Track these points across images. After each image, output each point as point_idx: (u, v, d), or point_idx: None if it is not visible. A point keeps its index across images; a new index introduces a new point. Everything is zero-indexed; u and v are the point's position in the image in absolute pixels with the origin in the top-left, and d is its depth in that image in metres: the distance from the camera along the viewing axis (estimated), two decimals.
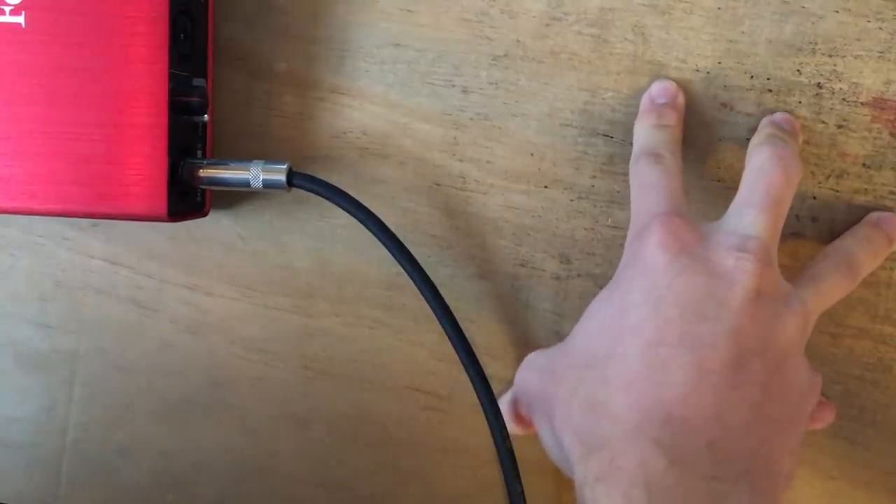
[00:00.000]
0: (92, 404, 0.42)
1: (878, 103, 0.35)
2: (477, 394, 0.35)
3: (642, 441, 0.27)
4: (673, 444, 0.27)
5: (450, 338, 0.35)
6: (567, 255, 0.37)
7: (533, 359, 0.35)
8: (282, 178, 0.34)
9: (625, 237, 0.33)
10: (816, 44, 0.34)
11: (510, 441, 0.34)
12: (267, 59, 0.38)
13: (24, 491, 0.43)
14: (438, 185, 0.38)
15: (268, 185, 0.35)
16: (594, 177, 0.37)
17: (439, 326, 0.35)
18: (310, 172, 0.35)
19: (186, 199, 0.36)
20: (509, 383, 0.37)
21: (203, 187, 0.36)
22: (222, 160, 0.36)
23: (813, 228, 0.36)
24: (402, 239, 0.35)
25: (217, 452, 0.42)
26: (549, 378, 0.32)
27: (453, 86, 0.37)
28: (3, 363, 0.42)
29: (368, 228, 0.35)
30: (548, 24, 0.36)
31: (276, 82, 0.38)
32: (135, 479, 0.42)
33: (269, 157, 0.36)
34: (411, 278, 0.35)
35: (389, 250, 0.35)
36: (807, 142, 0.35)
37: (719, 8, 0.35)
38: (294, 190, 0.35)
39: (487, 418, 0.35)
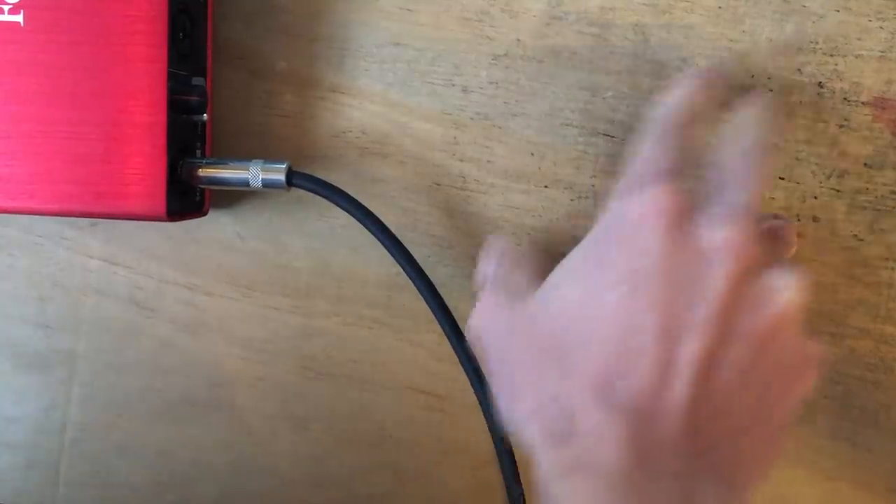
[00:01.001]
0: (91, 404, 0.42)
1: (879, 103, 0.35)
2: (476, 394, 0.35)
3: (614, 433, 0.26)
4: (643, 440, 0.26)
5: (449, 338, 0.35)
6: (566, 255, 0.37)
7: (495, 310, 0.31)
8: (281, 177, 0.34)
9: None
10: (817, 43, 0.34)
11: (510, 442, 0.34)
12: (266, 58, 0.38)
13: (22, 491, 0.43)
14: (438, 184, 0.38)
15: (267, 184, 0.35)
16: (594, 177, 0.37)
17: (439, 326, 0.35)
18: (309, 172, 0.35)
19: (185, 198, 0.36)
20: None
21: (202, 187, 0.36)
22: (221, 159, 0.36)
23: (814, 228, 0.36)
24: (401, 238, 0.35)
25: (216, 452, 0.42)
26: (514, 344, 0.30)
27: (453, 85, 0.37)
28: (2, 363, 0.42)
29: (368, 228, 0.35)
30: (548, 23, 0.36)
31: (276, 81, 0.38)
32: (133, 479, 0.42)
33: (268, 157, 0.36)
34: (410, 278, 0.35)
35: (389, 250, 0.35)
36: (807, 142, 0.35)
37: (720, 7, 0.35)
38: (293, 189, 0.35)
39: (487, 418, 0.35)
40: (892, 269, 0.36)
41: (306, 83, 0.38)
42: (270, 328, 0.40)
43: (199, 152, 0.37)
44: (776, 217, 0.33)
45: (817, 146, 0.35)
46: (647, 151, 0.30)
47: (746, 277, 0.27)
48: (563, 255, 0.31)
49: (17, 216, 0.39)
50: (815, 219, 0.36)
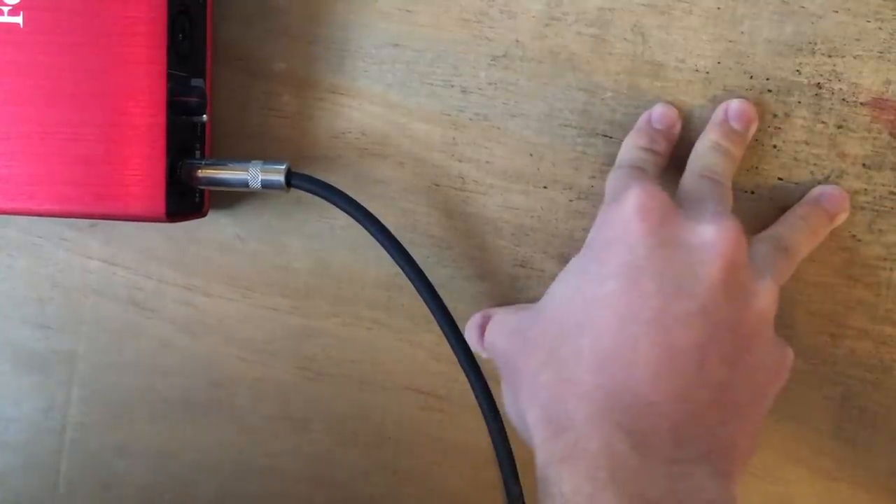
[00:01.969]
0: (90, 405, 0.42)
1: (878, 103, 0.34)
2: (475, 394, 0.35)
3: (607, 424, 0.27)
4: (637, 427, 0.27)
5: (448, 338, 0.35)
6: (566, 256, 0.37)
7: (503, 319, 0.34)
8: (280, 178, 0.34)
9: None
10: (816, 44, 0.34)
11: (509, 442, 0.34)
12: (266, 59, 0.38)
13: (22, 491, 0.43)
14: (437, 185, 0.38)
15: (266, 185, 0.35)
16: (593, 177, 0.37)
17: (438, 327, 0.35)
18: (309, 173, 0.35)
19: (185, 199, 0.36)
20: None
21: (202, 188, 0.36)
22: (221, 160, 0.36)
23: None
24: (401, 239, 0.35)
25: (216, 452, 0.42)
26: (519, 346, 0.31)
27: (452, 86, 0.37)
28: (2, 363, 0.42)
29: (367, 229, 0.35)
30: (547, 24, 0.36)
31: (275, 82, 0.38)
32: (133, 480, 0.42)
33: (267, 158, 0.36)
34: (409, 279, 0.35)
35: (388, 251, 0.35)
36: (806, 142, 0.35)
37: (719, 8, 0.35)
38: (293, 190, 0.35)
39: (486, 419, 0.35)
40: (891, 269, 0.36)
41: (305, 84, 0.38)
42: (270, 329, 0.40)
43: (198, 153, 0.37)
44: None
45: (816, 147, 0.35)
46: (630, 181, 0.32)
47: (734, 273, 0.28)
48: None
49: (17, 217, 0.39)
50: None
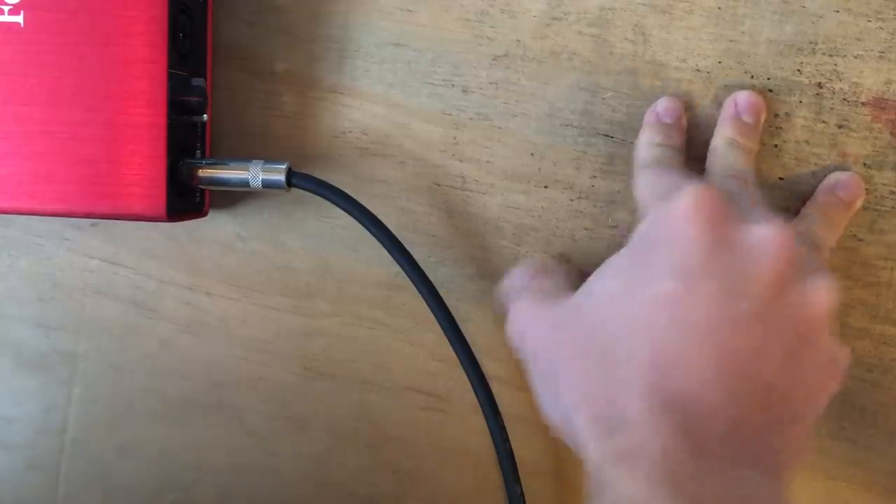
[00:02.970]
0: (91, 405, 0.42)
1: (879, 103, 0.35)
2: (476, 394, 0.35)
3: (665, 425, 0.27)
4: (694, 429, 0.27)
5: (449, 338, 0.35)
6: (567, 255, 0.37)
7: (536, 314, 0.32)
8: (281, 177, 0.34)
9: (625, 237, 0.33)
10: (817, 43, 0.34)
11: (510, 442, 0.34)
12: (266, 59, 0.38)
13: (22, 491, 0.43)
14: (438, 184, 0.38)
15: (267, 184, 0.35)
16: (594, 177, 0.37)
17: (439, 326, 0.35)
18: (309, 172, 0.35)
19: (186, 198, 0.36)
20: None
21: (202, 187, 0.36)
22: (221, 160, 0.36)
23: None
24: (401, 239, 0.35)
25: (217, 452, 0.42)
26: (558, 340, 0.30)
27: (453, 86, 0.37)
28: (2, 363, 0.42)
29: (367, 228, 0.35)
30: (548, 23, 0.36)
31: (276, 82, 0.38)
32: (134, 480, 0.42)
33: (268, 157, 0.36)
34: (410, 278, 0.35)
35: (388, 250, 0.35)
36: (807, 142, 0.35)
37: (720, 8, 0.35)
38: (293, 190, 0.35)
39: (487, 419, 0.35)
40: (892, 269, 0.36)
41: (306, 84, 0.38)
42: (270, 328, 0.40)
43: (198, 153, 0.37)
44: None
45: (817, 146, 0.35)
46: (669, 177, 0.32)
47: (789, 275, 0.28)
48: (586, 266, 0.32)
49: (17, 216, 0.39)
50: None
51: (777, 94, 0.35)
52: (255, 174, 0.35)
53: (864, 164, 0.35)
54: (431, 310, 0.35)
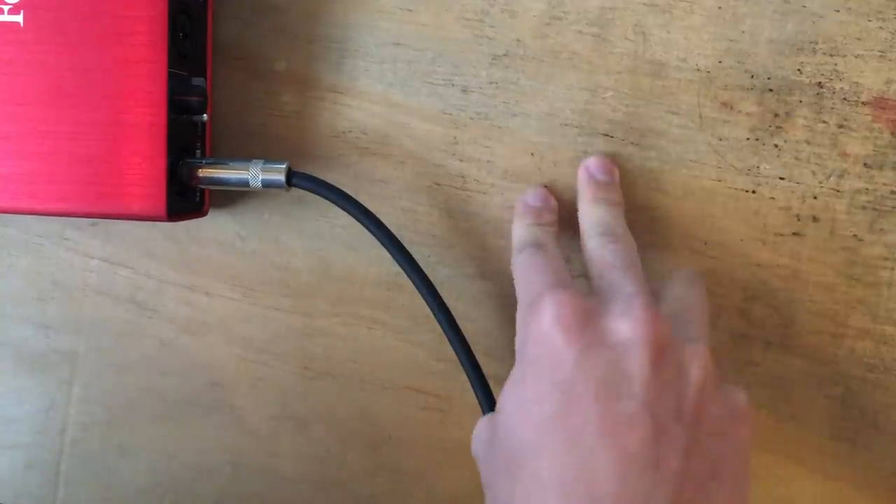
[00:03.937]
0: (91, 404, 0.42)
1: (879, 103, 0.34)
2: (476, 394, 0.35)
3: None
4: None
5: (448, 338, 0.35)
6: (567, 255, 0.37)
7: (479, 432, 0.33)
8: (281, 177, 0.34)
9: None
10: (817, 43, 0.34)
11: None
12: (266, 59, 0.38)
13: (22, 491, 0.43)
14: (438, 184, 0.38)
15: (267, 184, 0.35)
16: None
17: (439, 326, 0.35)
18: (309, 172, 0.35)
19: (185, 198, 0.36)
20: None
21: (202, 187, 0.36)
22: (221, 160, 0.36)
23: (814, 228, 0.36)
24: (401, 239, 0.35)
25: (217, 452, 0.42)
26: (491, 465, 0.31)
27: (453, 85, 0.37)
28: (2, 363, 0.42)
29: (367, 228, 0.35)
30: (548, 23, 0.36)
31: (276, 81, 0.38)
32: (134, 480, 0.42)
33: (268, 157, 0.36)
34: (410, 278, 0.35)
35: (388, 250, 0.35)
36: (807, 141, 0.35)
37: (720, 7, 0.35)
38: (293, 189, 0.35)
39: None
40: (892, 269, 0.36)
41: (306, 83, 0.38)
42: (270, 328, 0.40)
43: (198, 152, 0.37)
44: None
45: (817, 146, 0.35)
46: (535, 272, 0.32)
47: (663, 357, 0.29)
48: None
49: (18, 216, 0.39)
50: (815, 219, 0.36)
51: (777, 93, 0.35)
52: (255, 174, 0.35)
53: (865, 164, 0.35)
54: (431, 310, 0.35)
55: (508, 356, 0.38)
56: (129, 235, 0.40)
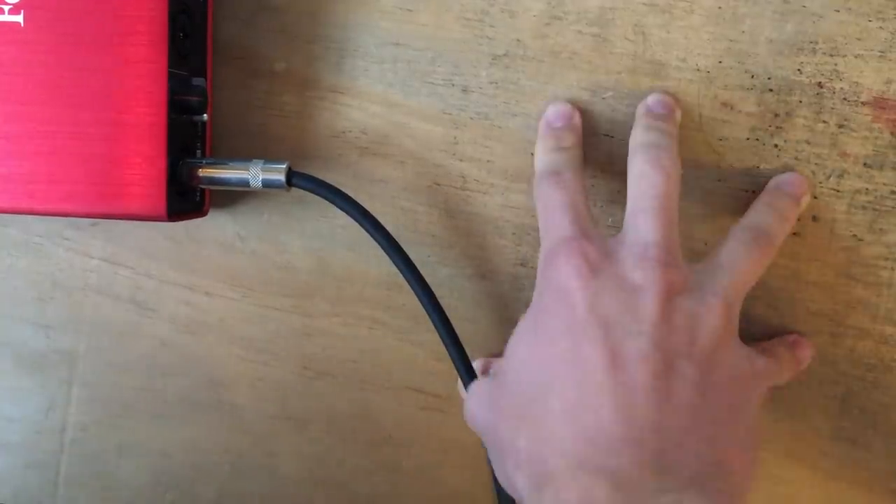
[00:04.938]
0: (91, 404, 0.42)
1: (879, 103, 0.34)
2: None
3: (584, 472, 0.28)
4: (618, 467, 0.27)
5: (443, 340, 0.35)
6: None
7: (479, 391, 0.34)
8: (281, 177, 0.34)
9: None
10: (817, 43, 0.34)
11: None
12: (266, 59, 0.38)
13: (22, 491, 0.43)
14: (438, 184, 0.38)
15: (267, 184, 0.35)
16: (594, 177, 0.37)
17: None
18: (309, 172, 0.35)
19: (186, 198, 0.36)
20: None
21: (202, 187, 0.36)
22: (221, 160, 0.36)
23: (813, 228, 0.36)
24: (401, 238, 0.35)
25: (216, 452, 0.42)
26: (495, 416, 0.32)
27: (453, 85, 0.37)
28: (2, 363, 0.42)
29: (365, 229, 0.35)
30: (548, 23, 0.36)
31: (276, 81, 0.38)
32: (133, 479, 0.42)
33: (268, 157, 0.36)
34: (406, 279, 0.35)
35: (385, 251, 0.35)
36: (807, 142, 0.35)
37: (720, 7, 0.35)
38: (293, 189, 0.35)
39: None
40: (892, 269, 0.36)
41: (306, 83, 0.38)
42: (270, 328, 0.40)
43: (199, 152, 0.37)
44: None
45: (817, 146, 0.35)
46: (554, 212, 0.32)
47: (673, 301, 0.29)
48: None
49: (18, 216, 0.39)
50: (814, 219, 0.36)
51: (777, 93, 0.35)
52: (255, 174, 0.35)
53: (864, 164, 0.35)
54: (427, 311, 0.35)
55: None
56: (129, 235, 0.40)
